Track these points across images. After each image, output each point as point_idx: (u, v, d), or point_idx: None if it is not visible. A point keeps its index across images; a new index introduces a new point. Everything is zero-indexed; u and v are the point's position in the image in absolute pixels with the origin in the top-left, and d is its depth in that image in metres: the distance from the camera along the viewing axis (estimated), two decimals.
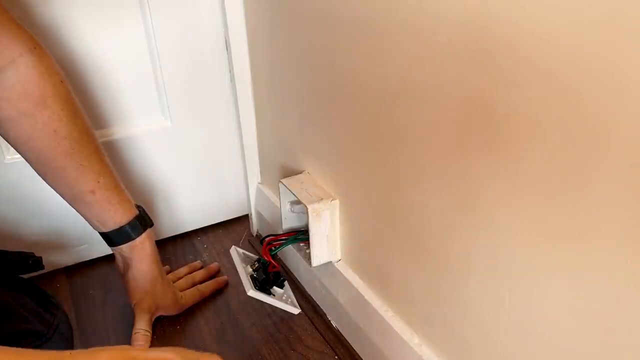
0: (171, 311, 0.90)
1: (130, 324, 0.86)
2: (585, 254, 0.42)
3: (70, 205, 0.78)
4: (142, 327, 0.84)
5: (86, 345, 0.86)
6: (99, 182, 0.77)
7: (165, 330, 0.88)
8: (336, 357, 0.82)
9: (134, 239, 0.81)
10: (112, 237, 0.81)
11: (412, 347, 0.67)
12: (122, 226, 0.80)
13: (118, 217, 0.80)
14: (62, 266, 1.03)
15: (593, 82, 0.37)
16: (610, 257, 0.40)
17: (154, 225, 1.08)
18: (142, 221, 0.82)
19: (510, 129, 0.45)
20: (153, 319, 0.87)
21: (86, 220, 0.80)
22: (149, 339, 0.85)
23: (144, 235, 0.82)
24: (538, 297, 0.48)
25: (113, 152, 0.99)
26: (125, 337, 0.86)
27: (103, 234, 0.81)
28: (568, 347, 0.46)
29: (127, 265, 0.83)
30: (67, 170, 0.75)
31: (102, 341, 0.86)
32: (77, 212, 0.79)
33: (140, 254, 0.82)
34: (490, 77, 0.46)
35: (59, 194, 0.77)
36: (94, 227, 0.80)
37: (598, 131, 0.38)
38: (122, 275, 0.85)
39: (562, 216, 0.43)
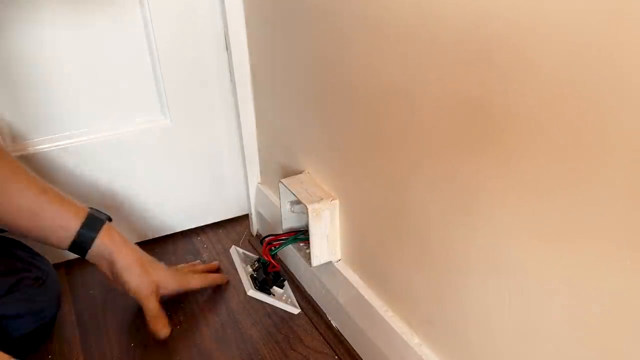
0: (173, 286, 0.88)
1: (130, 324, 0.86)
2: (585, 253, 0.42)
3: (30, 230, 0.76)
4: (154, 310, 0.83)
5: (87, 345, 0.86)
6: (40, 179, 0.77)
7: None
8: (336, 357, 0.82)
9: (98, 231, 0.80)
10: (81, 241, 0.79)
11: (412, 347, 0.67)
12: (83, 223, 0.78)
13: (77, 213, 0.78)
14: (62, 260, 1.03)
15: (592, 81, 0.37)
16: (610, 257, 0.40)
17: (158, 222, 1.09)
18: (97, 213, 0.82)
19: (509, 128, 0.45)
20: (158, 299, 0.85)
21: (49, 239, 0.78)
22: (166, 318, 0.84)
23: (105, 227, 0.81)
24: (538, 296, 0.48)
25: (113, 150, 0.99)
26: (126, 337, 0.86)
27: (73, 246, 0.79)
28: (568, 347, 0.46)
29: (109, 264, 0.82)
30: (18, 174, 0.75)
31: (102, 341, 0.86)
32: (39, 235, 0.77)
33: (113, 245, 0.81)
34: (488, 76, 0.46)
35: (17, 223, 0.75)
36: (60, 243, 0.78)
37: (597, 130, 0.38)
38: (113, 279, 0.83)
39: (562, 216, 0.43)
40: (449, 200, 0.55)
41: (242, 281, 0.97)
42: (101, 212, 0.83)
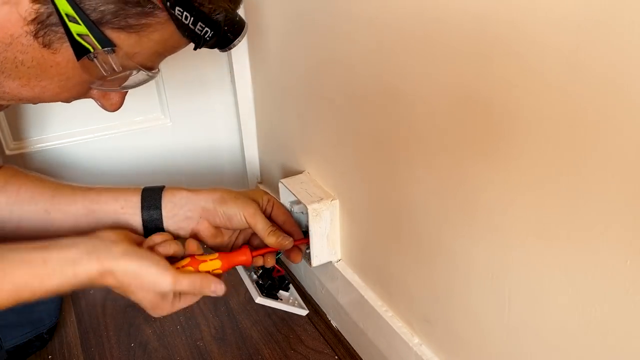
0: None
1: (130, 324, 0.86)
2: (585, 253, 0.42)
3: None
4: (267, 222, 0.70)
5: (87, 346, 0.86)
6: (74, 183, 0.69)
7: (166, 330, 0.88)
8: (336, 357, 0.82)
9: (163, 187, 0.68)
10: (151, 214, 0.66)
11: (412, 347, 0.67)
12: (142, 195, 0.66)
13: (133, 190, 0.67)
14: None
15: (591, 82, 0.37)
16: (610, 257, 0.40)
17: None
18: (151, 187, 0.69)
19: (508, 129, 0.45)
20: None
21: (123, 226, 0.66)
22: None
23: (166, 189, 0.68)
24: (538, 297, 0.48)
25: (113, 149, 0.99)
26: (127, 337, 0.86)
27: (147, 220, 0.66)
28: (567, 348, 0.46)
29: (203, 213, 0.68)
30: (59, 185, 0.68)
31: (102, 340, 0.87)
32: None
33: (192, 193, 0.68)
34: (489, 78, 0.46)
35: (78, 227, 0.66)
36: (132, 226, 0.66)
37: (597, 131, 0.38)
38: (218, 232, 0.70)
39: (562, 216, 0.43)
40: (449, 200, 0.55)
41: (248, 288, 0.95)
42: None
